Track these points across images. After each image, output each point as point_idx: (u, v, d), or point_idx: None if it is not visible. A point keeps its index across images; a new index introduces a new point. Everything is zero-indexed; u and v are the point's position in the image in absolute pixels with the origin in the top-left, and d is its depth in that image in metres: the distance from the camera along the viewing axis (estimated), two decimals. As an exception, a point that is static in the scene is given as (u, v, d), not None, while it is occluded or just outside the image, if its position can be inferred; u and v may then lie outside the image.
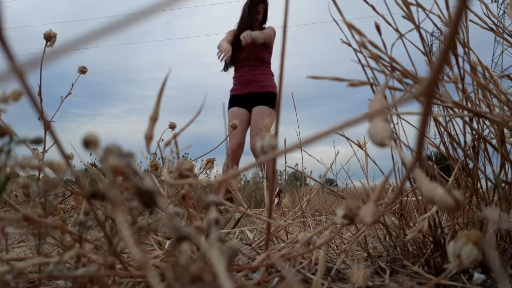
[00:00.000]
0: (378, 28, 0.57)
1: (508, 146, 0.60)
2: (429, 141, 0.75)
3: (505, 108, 0.58)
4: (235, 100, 3.14)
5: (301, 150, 1.05)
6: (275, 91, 3.16)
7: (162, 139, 0.96)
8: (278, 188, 2.96)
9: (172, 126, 0.95)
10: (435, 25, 0.63)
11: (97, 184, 0.35)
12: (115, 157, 0.28)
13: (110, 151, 0.28)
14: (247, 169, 0.30)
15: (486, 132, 0.63)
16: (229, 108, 3.16)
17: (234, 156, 2.98)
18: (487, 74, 0.62)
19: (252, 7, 3.10)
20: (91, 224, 0.41)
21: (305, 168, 1.25)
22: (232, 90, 3.21)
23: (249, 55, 3.07)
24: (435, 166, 0.71)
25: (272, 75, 3.19)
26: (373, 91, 0.60)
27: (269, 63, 3.20)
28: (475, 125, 0.62)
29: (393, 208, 0.71)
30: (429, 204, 0.65)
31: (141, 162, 3.60)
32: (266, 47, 3.08)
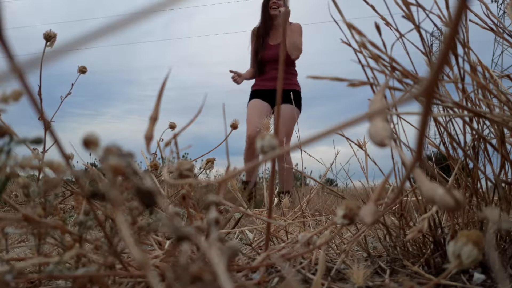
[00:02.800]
0: (378, 28, 0.57)
1: (508, 146, 0.60)
2: (429, 141, 0.75)
3: (505, 108, 0.58)
4: (257, 94, 3.07)
5: (301, 150, 1.05)
6: (300, 89, 3.12)
7: (162, 139, 0.96)
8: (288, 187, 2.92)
9: (172, 126, 0.95)
10: (435, 25, 0.63)
11: (97, 184, 0.35)
12: (115, 157, 0.28)
13: (110, 151, 0.28)
14: (247, 169, 0.29)
15: (486, 132, 0.63)
16: (249, 101, 3.09)
17: (251, 150, 2.86)
18: (487, 74, 0.62)
19: (265, 3, 3.01)
20: (91, 224, 0.41)
21: (305, 168, 1.25)
22: (254, 85, 3.14)
23: (273, 57, 3.01)
24: (435, 166, 0.71)
25: (296, 74, 3.14)
26: (373, 91, 0.60)
27: (293, 63, 3.12)
28: (475, 125, 0.62)
29: (393, 208, 0.71)
30: (429, 204, 0.65)
31: (141, 162, 3.60)
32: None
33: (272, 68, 3.05)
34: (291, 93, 2.66)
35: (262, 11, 3.05)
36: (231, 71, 3.07)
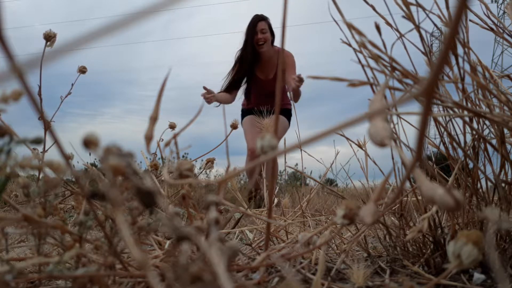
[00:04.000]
0: (378, 28, 0.57)
1: (508, 146, 0.60)
2: (429, 141, 0.75)
3: (505, 108, 0.58)
4: (250, 111, 3.02)
5: (301, 150, 1.05)
6: (290, 107, 3.12)
7: (162, 139, 0.96)
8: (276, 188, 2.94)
9: (172, 126, 0.95)
10: (435, 25, 0.63)
11: (97, 184, 0.35)
12: (115, 157, 0.28)
13: (110, 151, 0.28)
14: (246, 169, 0.30)
15: (486, 132, 0.63)
16: (242, 118, 3.07)
17: (253, 161, 2.87)
18: (487, 74, 0.62)
19: (250, 31, 2.81)
20: (91, 224, 0.41)
21: (305, 168, 1.25)
22: (246, 105, 3.09)
23: (265, 92, 2.96)
24: (435, 166, 0.71)
25: (287, 92, 3.08)
26: (373, 91, 0.60)
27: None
28: (475, 125, 0.62)
29: (393, 208, 0.71)
30: (429, 204, 0.65)
31: (141, 162, 3.60)
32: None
33: (264, 96, 2.98)
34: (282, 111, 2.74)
35: (248, 46, 2.83)
36: (204, 88, 2.77)
